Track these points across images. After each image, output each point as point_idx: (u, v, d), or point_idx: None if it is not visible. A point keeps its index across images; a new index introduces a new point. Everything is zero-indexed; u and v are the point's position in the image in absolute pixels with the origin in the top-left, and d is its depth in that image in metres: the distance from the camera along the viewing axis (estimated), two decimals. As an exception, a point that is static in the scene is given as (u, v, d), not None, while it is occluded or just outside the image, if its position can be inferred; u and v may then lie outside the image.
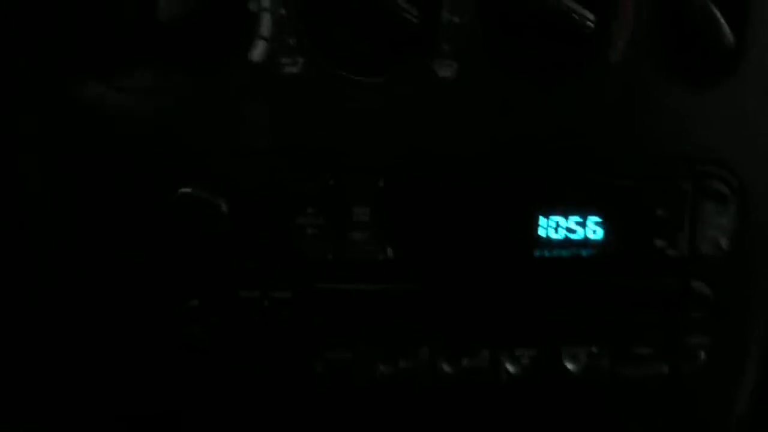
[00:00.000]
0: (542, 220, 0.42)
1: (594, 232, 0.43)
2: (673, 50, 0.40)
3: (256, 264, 0.40)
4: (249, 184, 0.39)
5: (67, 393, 0.43)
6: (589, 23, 0.39)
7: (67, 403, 0.44)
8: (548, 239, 0.42)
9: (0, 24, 0.37)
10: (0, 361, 0.43)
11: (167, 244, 0.39)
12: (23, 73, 0.38)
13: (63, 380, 0.43)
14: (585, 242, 0.43)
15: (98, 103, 0.38)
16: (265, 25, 0.38)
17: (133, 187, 0.39)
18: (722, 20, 0.39)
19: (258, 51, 0.38)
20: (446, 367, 0.42)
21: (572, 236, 0.43)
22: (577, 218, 0.42)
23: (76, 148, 0.39)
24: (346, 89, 0.39)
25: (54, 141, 0.39)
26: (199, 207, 0.38)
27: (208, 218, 0.38)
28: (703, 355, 0.45)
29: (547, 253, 0.42)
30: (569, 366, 0.43)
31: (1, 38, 0.37)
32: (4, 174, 0.38)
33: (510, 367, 0.43)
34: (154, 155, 0.38)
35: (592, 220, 0.42)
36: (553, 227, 0.42)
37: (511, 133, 0.41)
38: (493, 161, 0.41)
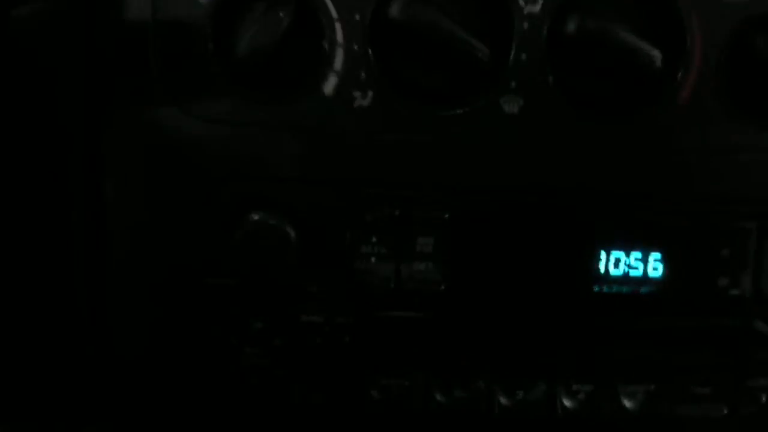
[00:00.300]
0: (602, 255, 0.42)
1: (655, 269, 0.43)
2: (739, 91, 0.40)
3: (319, 289, 0.41)
4: (317, 213, 0.40)
5: (133, 411, 0.45)
6: (656, 61, 0.39)
7: (132, 422, 0.45)
8: (608, 275, 0.42)
9: (93, 56, 0.39)
10: (68, 373, 0.45)
11: (236, 267, 0.41)
12: (111, 101, 0.40)
13: (128, 398, 0.45)
14: (645, 279, 0.42)
15: (180, 132, 0.40)
16: (338, 59, 0.39)
17: (207, 212, 0.40)
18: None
19: (330, 84, 0.39)
20: (502, 399, 0.43)
21: (632, 273, 0.43)
22: (638, 254, 0.43)
23: (157, 174, 0.41)
24: (414, 122, 0.40)
25: (136, 167, 0.41)
26: (268, 233, 0.40)
27: (276, 244, 0.40)
28: (764, 397, 0.44)
29: (606, 289, 0.42)
30: (626, 403, 0.43)
31: (92, 69, 0.39)
32: (88, 198, 0.40)
33: (566, 402, 0.43)
34: (228, 182, 0.40)
35: (654, 257, 0.42)
36: (613, 263, 0.43)
37: (576, 170, 0.41)
38: (557, 196, 0.41)
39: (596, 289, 0.42)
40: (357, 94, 0.39)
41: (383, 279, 0.41)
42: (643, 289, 0.43)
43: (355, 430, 0.44)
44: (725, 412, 0.44)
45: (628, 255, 0.42)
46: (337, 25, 0.39)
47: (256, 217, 0.39)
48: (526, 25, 0.39)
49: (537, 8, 0.39)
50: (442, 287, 0.41)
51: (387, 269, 0.41)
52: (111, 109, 0.40)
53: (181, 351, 0.43)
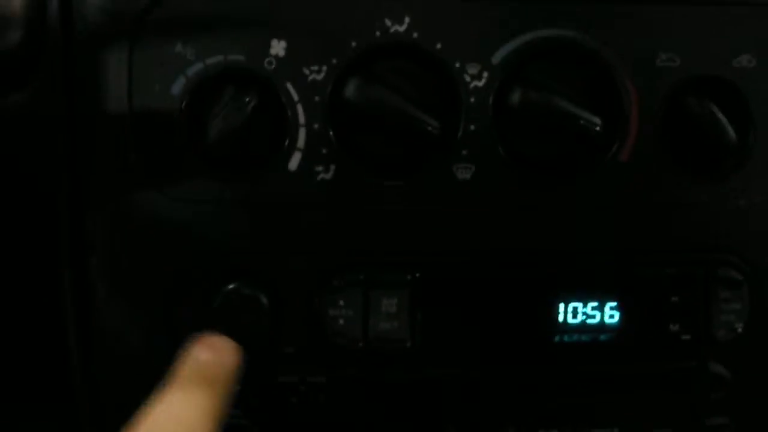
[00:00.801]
0: (561, 306, 0.45)
1: (611, 317, 0.45)
2: (677, 149, 0.43)
3: (294, 351, 0.44)
4: (288, 280, 0.43)
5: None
6: (596, 127, 0.42)
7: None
8: (566, 324, 0.45)
9: (73, 146, 0.42)
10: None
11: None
12: (94, 183, 0.43)
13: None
14: (602, 327, 0.45)
15: (158, 213, 0.43)
16: (301, 137, 0.42)
17: (186, 284, 0.43)
18: (724, 121, 0.42)
19: (295, 161, 0.42)
20: (471, 450, 0.45)
21: (590, 321, 0.45)
22: (594, 303, 0.45)
23: (138, 252, 0.44)
24: (374, 192, 0.43)
25: (119, 247, 0.44)
26: (242, 301, 0.42)
27: (250, 311, 0.42)
28: (725, 435, 0.46)
29: (566, 338, 0.45)
30: (590, 450, 0.45)
31: (78, 152, 0.42)
32: (77, 278, 0.43)
33: (533, 449, 0.45)
34: (204, 256, 0.43)
35: (609, 305, 0.45)
36: (571, 312, 0.45)
37: (529, 230, 0.44)
38: (513, 255, 0.44)
39: (557, 338, 0.45)
40: (320, 168, 0.42)
41: (352, 339, 0.43)
42: (601, 337, 0.45)
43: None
44: (688, 452, 0.46)
45: (585, 305, 0.45)
46: (299, 107, 0.42)
47: (231, 287, 0.42)
48: (472, 98, 0.42)
49: (482, 83, 0.42)
50: (408, 344, 0.43)
51: (355, 330, 0.43)
52: (93, 194, 0.43)
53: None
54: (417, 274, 0.43)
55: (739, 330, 0.44)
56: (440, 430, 0.45)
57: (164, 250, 0.43)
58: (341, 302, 0.43)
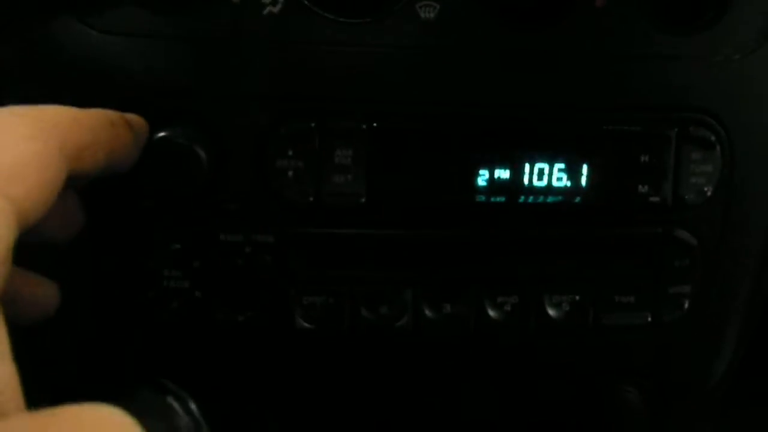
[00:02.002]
0: (526, 167, 0.42)
1: (578, 178, 0.42)
2: (658, -3, 0.40)
3: (237, 207, 0.40)
4: (229, 127, 0.39)
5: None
6: (573, -35, 0.38)
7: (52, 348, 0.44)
8: (531, 186, 0.42)
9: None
10: None
11: (146, 188, 0.39)
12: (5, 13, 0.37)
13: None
14: (569, 189, 0.42)
15: (78, 45, 0.37)
16: (246, -36, 0.37)
17: None
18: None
19: (238, -10, 0.37)
20: (428, 313, 0.42)
21: (556, 183, 0.42)
22: (561, 165, 0.42)
23: (55, 91, 0.39)
24: (328, 30, 0.39)
25: (34, 83, 0.39)
26: (175, 150, 0.38)
27: (184, 162, 0.38)
28: (686, 304, 0.45)
29: (531, 200, 0.42)
30: (551, 313, 0.43)
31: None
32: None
33: (492, 314, 0.43)
34: (132, 98, 0.38)
35: (577, 166, 0.42)
36: (537, 173, 0.42)
37: (493, 77, 0.40)
38: (478, 107, 0.41)
39: (521, 200, 0.42)
40: (266, 0, 0.38)
41: (302, 194, 0.40)
42: (568, 199, 0.42)
43: (281, 350, 0.43)
44: (649, 319, 0.45)
45: (551, 166, 0.42)
46: None
47: (162, 134, 0.38)
48: None
49: None
50: (363, 200, 0.40)
51: (305, 183, 0.39)
52: (5, 21, 0.37)
53: (99, 276, 0.41)
54: (374, 124, 0.40)
55: (709, 194, 0.43)
56: (397, 293, 0.42)
57: (89, 89, 0.38)
58: (290, 152, 0.39)
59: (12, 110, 0.28)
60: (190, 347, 0.43)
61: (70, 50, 0.38)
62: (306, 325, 0.42)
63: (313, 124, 0.39)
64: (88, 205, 0.36)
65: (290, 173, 0.39)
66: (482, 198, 0.42)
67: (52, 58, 0.39)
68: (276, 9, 0.38)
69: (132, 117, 0.36)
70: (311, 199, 0.40)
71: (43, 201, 0.26)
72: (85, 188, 0.34)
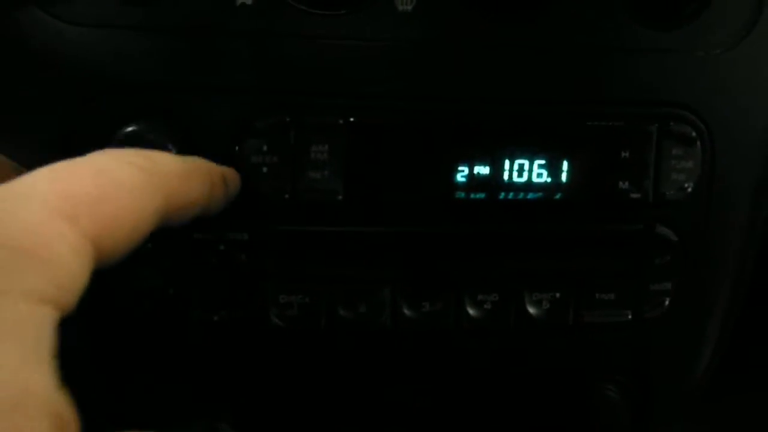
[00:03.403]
0: (506, 163, 0.41)
1: (558, 175, 0.42)
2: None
3: (211, 204, 0.39)
4: (200, 122, 0.38)
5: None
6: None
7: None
8: (511, 182, 0.42)
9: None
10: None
11: None
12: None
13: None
14: (549, 185, 0.42)
15: (42, 36, 0.36)
16: (220, -47, 0.36)
17: (79, 125, 0.37)
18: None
19: (211, -20, 0.36)
20: (407, 312, 0.42)
21: (536, 180, 0.42)
22: (541, 161, 0.42)
23: (19, 84, 0.37)
24: (304, 22, 0.38)
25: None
26: (145, 147, 0.37)
27: None
28: (667, 301, 0.45)
29: (511, 196, 0.42)
30: (532, 311, 0.43)
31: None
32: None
33: (471, 312, 0.42)
34: (101, 92, 0.37)
35: (557, 162, 0.42)
36: (517, 170, 0.42)
37: (472, 71, 0.40)
38: (456, 103, 0.40)
39: (501, 196, 0.42)
40: None
41: (277, 190, 0.39)
42: (547, 196, 0.42)
43: (256, 350, 0.42)
44: (630, 317, 0.44)
45: (531, 162, 0.42)
46: None
47: (131, 129, 0.36)
48: None
49: None
50: (340, 197, 0.39)
51: (280, 179, 0.39)
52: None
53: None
54: (351, 118, 0.39)
55: (689, 190, 0.42)
56: (375, 292, 0.41)
57: (57, 83, 0.37)
58: (264, 147, 0.38)
59: (128, 158, 0.27)
60: (164, 348, 0.42)
61: (36, 42, 0.37)
62: (282, 324, 0.41)
63: (288, 119, 0.38)
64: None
65: (265, 169, 0.38)
66: (461, 194, 0.41)
67: (16, 50, 0.37)
68: (249, 0, 0.37)
69: (228, 172, 0.35)
70: (287, 195, 0.39)
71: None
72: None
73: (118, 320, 0.41)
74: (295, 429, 0.47)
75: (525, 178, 0.42)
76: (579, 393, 0.47)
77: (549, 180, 0.42)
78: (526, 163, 0.42)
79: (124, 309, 0.41)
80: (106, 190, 0.25)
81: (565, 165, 0.42)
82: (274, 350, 0.42)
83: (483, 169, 0.41)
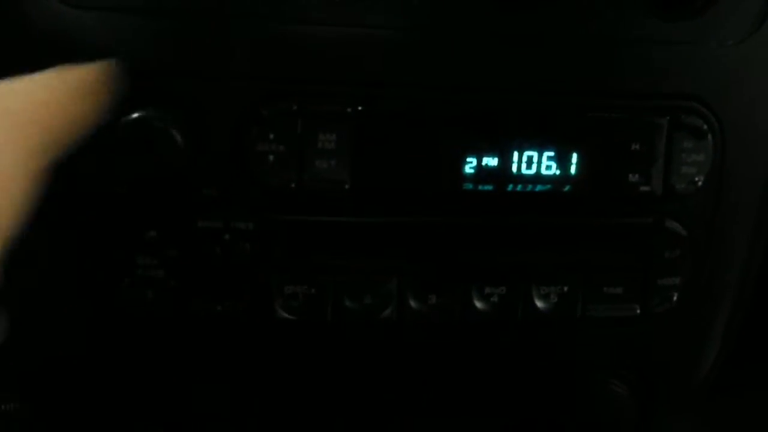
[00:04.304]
0: (515, 155, 0.41)
1: (567, 167, 0.41)
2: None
3: (216, 193, 0.39)
4: (208, 109, 0.37)
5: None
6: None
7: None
8: (520, 174, 0.41)
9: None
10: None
11: (120, 172, 0.37)
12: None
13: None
14: (558, 177, 0.41)
15: (49, 19, 0.36)
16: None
17: None
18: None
19: (219, -33, 0.36)
20: (413, 304, 0.41)
21: (545, 172, 0.41)
22: (551, 153, 0.41)
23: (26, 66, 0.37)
24: (311, 9, 0.37)
25: (2, 59, 0.37)
26: (150, 133, 0.36)
27: (160, 146, 0.36)
28: (675, 296, 0.44)
29: (519, 188, 0.41)
30: (539, 305, 0.42)
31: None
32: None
33: (479, 305, 0.42)
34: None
35: (566, 154, 0.41)
36: (526, 161, 0.41)
37: (482, 60, 0.39)
38: (464, 89, 0.40)
39: (510, 188, 0.41)
40: None
41: (283, 179, 0.38)
42: (557, 188, 0.41)
43: (261, 341, 0.42)
44: (637, 312, 0.44)
45: (540, 154, 0.41)
46: None
47: (136, 116, 0.36)
48: None
49: None
50: (347, 186, 0.39)
51: (286, 168, 0.38)
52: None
53: (73, 267, 0.40)
54: (359, 107, 0.38)
55: (699, 183, 0.42)
56: (382, 283, 0.41)
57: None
58: (271, 135, 0.38)
59: None
60: (167, 339, 0.42)
61: (41, 26, 0.36)
62: (287, 315, 0.40)
63: (295, 107, 0.38)
64: (62, 191, 0.34)
65: (271, 157, 0.38)
66: (470, 186, 0.41)
67: (21, 33, 0.37)
68: (258, -10, 0.36)
69: None
70: (293, 185, 0.38)
71: None
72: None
73: (119, 311, 0.41)
74: (297, 421, 0.47)
75: (534, 170, 0.41)
76: (585, 387, 0.46)
77: (558, 172, 0.41)
78: (535, 155, 0.41)
79: (126, 300, 0.40)
80: None
81: (574, 157, 0.41)
82: (278, 342, 0.42)
83: (491, 161, 0.41)
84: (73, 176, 0.38)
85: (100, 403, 0.43)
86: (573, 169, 0.41)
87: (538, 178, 0.41)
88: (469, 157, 0.40)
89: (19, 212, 0.27)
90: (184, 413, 0.43)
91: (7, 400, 0.55)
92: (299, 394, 0.44)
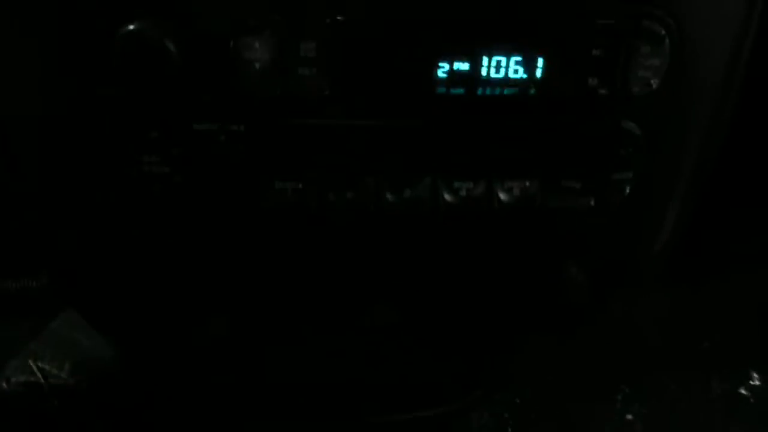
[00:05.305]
0: (484, 59, 0.44)
1: (533, 71, 0.45)
2: None
3: (210, 99, 0.43)
4: (196, 19, 0.40)
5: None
6: None
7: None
8: (489, 78, 0.45)
9: None
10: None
11: (120, 78, 0.41)
12: None
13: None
14: (524, 81, 0.45)
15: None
16: None
17: (78, 24, 0.40)
18: None
19: None
20: (389, 197, 0.46)
21: (512, 75, 0.45)
22: (518, 57, 0.44)
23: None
24: None
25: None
26: (146, 46, 0.40)
27: (155, 57, 0.40)
28: (627, 189, 0.49)
29: (488, 91, 0.45)
30: (503, 197, 0.47)
31: None
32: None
33: (448, 197, 0.47)
34: None
35: (532, 59, 0.44)
36: (494, 66, 0.45)
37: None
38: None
39: (479, 92, 0.45)
40: None
41: (269, 86, 0.42)
42: (522, 91, 0.45)
43: (252, 232, 0.48)
44: (592, 203, 0.49)
45: (508, 58, 0.44)
46: None
47: (131, 28, 0.39)
48: None
49: None
50: (327, 92, 0.43)
51: (272, 76, 0.42)
52: None
53: (82, 163, 0.45)
54: (338, 17, 0.41)
55: (654, 86, 0.45)
56: (360, 179, 0.46)
57: None
58: (256, 45, 0.41)
59: None
60: (168, 232, 0.47)
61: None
62: (277, 207, 0.46)
63: (278, 17, 0.41)
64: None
65: (257, 65, 0.41)
66: (442, 89, 0.44)
67: None
68: None
69: None
70: (278, 91, 0.42)
71: None
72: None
73: (128, 202, 0.46)
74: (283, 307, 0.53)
75: (502, 74, 0.45)
76: (544, 272, 0.52)
77: (524, 76, 0.45)
78: (504, 59, 0.44)
79: (134, 193, 0.46)
80: None
81: (540, 62, 0.44)
82: (268, 232, 0.48)
83: (463, 66, 0.44)
84: (82, 81, 0.42)
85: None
86: (538, 73, 0.44)
87: (506, 81, 0.45)
88: (442, 62, 0.44)
89: None
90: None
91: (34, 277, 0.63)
92: (288, 277, 0.50)
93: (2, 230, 0.59)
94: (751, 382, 1.21)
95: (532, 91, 0.45)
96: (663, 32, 0.44)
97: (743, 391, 1.20)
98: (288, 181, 0.45)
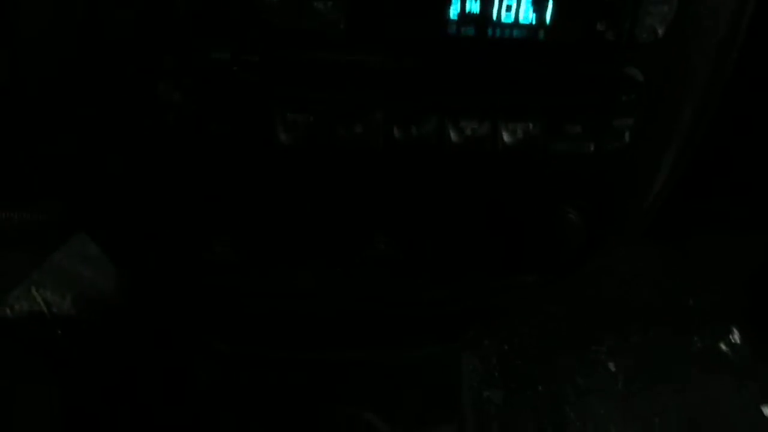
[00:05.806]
0: (495, 1, 0.45)
1: (543, 14, 0.46)
2: None
3: (224, 29, 0.44)
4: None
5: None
6: None
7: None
8: (500, 20, 0.45)
9: None
10: None
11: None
12: None
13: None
14: (534, 25, 0.46)
15: None
16: None
17: None
18: None
19: None
20: (396, 133, 0.48)
21: (522, 18, 0.46)
22: (529, 1, 0.45)
23: None
24: None
25: None
26: None
27: None
28: (627, 136, 0.50)
29: (498, 33, 0.46)
30: (506, 139, 0.49)
31: None
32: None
33: (453, 136, 0.48)
34: None
35: (543, 2, 0.45)
36: (505, 8, 0.45)
37: None
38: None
39: (489, 33, 0.46)
40: None
41: (284, 18, 0.43)
42: (531, 35, 0.46)
43: (262, 165, 0.49)
44: (592, 149, 0.50)
45: (519, 1, 0.45)
46: None
47: None
48: None
49: None
50: (342, 27, 0.43)
51: (289, 7, 0.42)
52: None
53: (97, 87, 0.46)
54: (353, -49, 0.42)
55: (660, 34, 0.46)
56: (370, 114, 0.47)
57: None
58: (273, -24, 0.42)
59: None
60: (178, 160, 0.49)
61: None
62: (288, 140, 0.47)
63: None
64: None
65: (273, -3, 0.42)
66: (453, 30, 0.45)
67: None
68: None
69: None
70: (293, 24, 0.43)
71: None
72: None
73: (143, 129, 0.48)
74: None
75: (513, 16, 0.45)
76: (541, 213, 0.54)
77: (534, 20, 0.46)
78: (514, 2, 0.45)
79: (149, 122, 0.47)
80: None
81: (550, 4, 0.45)
82: (278, 164, 0.49)
83: (474, 6, 0.45)
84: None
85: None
86: (548, 17, 0.45)
87: (516, 24, 0.46)
88: (453, 1, 0.45)
89: None
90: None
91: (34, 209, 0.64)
92: (294, 210, 0.52)
93: (7, 162, 0.60)
94: (732, 339, 1.26)
95: (541, 35, 0.46)
96: (673, -21, 0.45)
97: (723, 347, 1.25)
98: (299, 113, 0.46)
